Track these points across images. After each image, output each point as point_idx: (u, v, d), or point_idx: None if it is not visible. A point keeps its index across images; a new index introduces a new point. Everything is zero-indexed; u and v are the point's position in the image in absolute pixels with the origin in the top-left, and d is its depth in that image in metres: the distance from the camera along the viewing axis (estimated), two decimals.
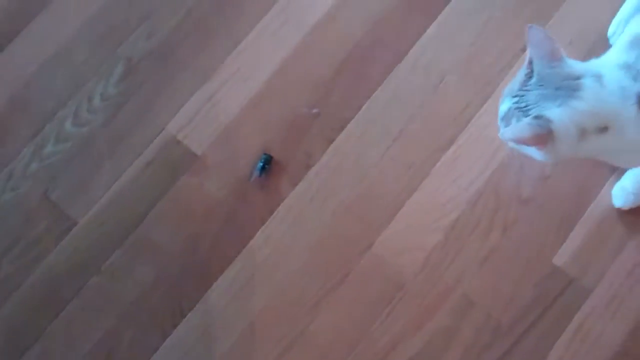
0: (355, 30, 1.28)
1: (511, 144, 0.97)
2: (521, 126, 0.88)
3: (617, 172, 1.13)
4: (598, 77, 0.88)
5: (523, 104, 0.90)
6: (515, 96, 0.91)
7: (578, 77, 0.88)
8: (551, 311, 1.09)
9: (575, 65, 0.90)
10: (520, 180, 1.17)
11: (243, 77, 1.27)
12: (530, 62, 0.91)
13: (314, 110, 1.23)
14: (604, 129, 0.87)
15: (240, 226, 1.18)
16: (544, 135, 0.87)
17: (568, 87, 0.87)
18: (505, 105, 0.94)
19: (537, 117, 0.87)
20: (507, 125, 0.92)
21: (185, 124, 1.25)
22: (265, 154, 1.20)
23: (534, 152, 0.92)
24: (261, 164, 1.19)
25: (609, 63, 0.91)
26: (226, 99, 1.26)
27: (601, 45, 1.13)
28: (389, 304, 1.11)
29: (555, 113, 0.86)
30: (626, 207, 1.12)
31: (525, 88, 0.90)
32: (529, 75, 0.90)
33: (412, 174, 1.18)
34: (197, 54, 1.29)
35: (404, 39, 1.26)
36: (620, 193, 1.12)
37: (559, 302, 1.10)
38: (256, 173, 1.20)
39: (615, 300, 1.09)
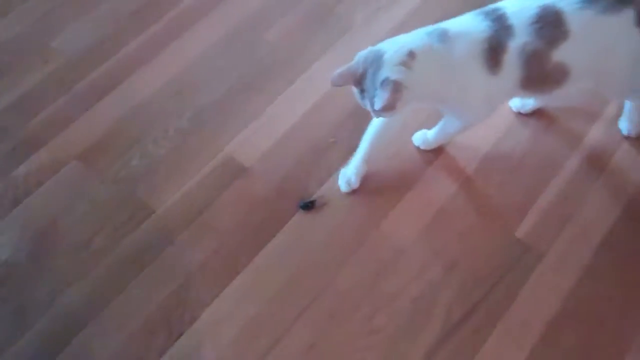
0: None
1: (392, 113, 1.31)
2: (381, 93, 1.24)
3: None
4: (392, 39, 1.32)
5: (370, 93, 1.29)
6: (364, 94, 1.31)
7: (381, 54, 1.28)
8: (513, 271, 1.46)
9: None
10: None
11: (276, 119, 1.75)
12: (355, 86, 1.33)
13: (332, 140, 1.69)
14: (412, 55, 1.25)
15: (277, 214, 1.57)
16: (394, 84, 1.22)
17: (377, 59, 1.27)
18: (369, 107, 1.33)
19: (380, 84, 1.25)
20: (377, 109, 1.27)
21: (237, 147, 1.69)
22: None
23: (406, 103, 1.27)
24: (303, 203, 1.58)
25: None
26: (268, 130, 1.72)
27: None
28: (396, 261, 1.47)
29: (384, 71, 1.25)
30: (422, 147, 1.60)
31: (363, 89, 1.31)
32: (360, 89, 1.32)
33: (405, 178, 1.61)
34: (244, 105, 1.78)
35: None
36: (420, 136, 1.60)
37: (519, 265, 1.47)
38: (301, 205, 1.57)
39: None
